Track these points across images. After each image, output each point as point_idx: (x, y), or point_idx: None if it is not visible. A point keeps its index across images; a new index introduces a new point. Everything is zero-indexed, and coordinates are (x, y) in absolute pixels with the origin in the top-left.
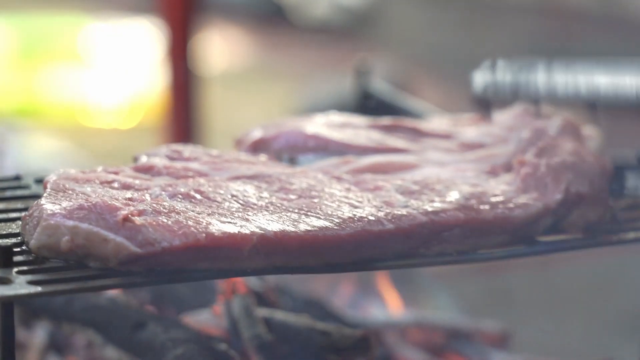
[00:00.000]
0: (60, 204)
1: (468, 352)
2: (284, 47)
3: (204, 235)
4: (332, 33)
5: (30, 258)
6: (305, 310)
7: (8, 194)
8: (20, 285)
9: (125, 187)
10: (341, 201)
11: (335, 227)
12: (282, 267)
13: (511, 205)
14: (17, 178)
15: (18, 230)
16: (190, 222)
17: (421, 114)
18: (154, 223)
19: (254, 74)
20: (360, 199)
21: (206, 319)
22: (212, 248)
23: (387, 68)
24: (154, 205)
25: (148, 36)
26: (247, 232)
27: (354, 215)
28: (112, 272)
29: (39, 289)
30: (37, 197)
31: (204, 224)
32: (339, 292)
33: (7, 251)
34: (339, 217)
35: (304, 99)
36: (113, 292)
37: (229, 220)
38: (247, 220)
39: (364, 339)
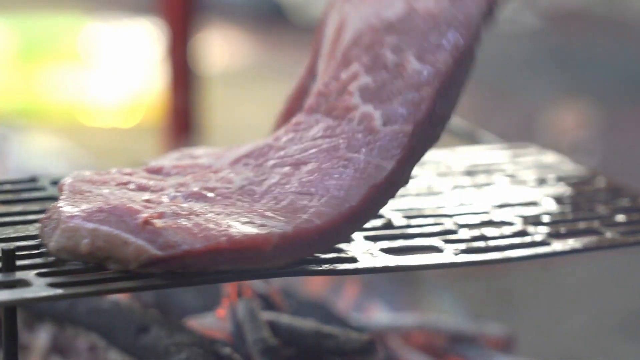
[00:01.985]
0: (79, 207)
1: (472, 356)
2: (284, 47)
3: (224, 238)
4: None
5: (49, 260)
6: (310, 313)
7: (24, 195)
8: (40, 288)
9: (141, 188)
10: (303, 182)
11: (343, 201)
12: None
13: None
14: (33, 180)
15: (36, 233)
16: (210, 225)
17: None
18: (175, 226)
19: (253, 74)
20: (313, 175)
21: (210, 323)
22: (234, 250)
23: None
24: (173, 207)
25: (148, 36)
26: (266, 232)
27: (338, 185)
28: (132, 275)
29: (59, 291)
30: (54, 199)
31: (224, 226)
32: (342, 294)
33: (10, 254)
34: (333, 193)
35: None
36: (117, 296)
37: (247, 220)
38: (264, 218)
39: (370, 343)
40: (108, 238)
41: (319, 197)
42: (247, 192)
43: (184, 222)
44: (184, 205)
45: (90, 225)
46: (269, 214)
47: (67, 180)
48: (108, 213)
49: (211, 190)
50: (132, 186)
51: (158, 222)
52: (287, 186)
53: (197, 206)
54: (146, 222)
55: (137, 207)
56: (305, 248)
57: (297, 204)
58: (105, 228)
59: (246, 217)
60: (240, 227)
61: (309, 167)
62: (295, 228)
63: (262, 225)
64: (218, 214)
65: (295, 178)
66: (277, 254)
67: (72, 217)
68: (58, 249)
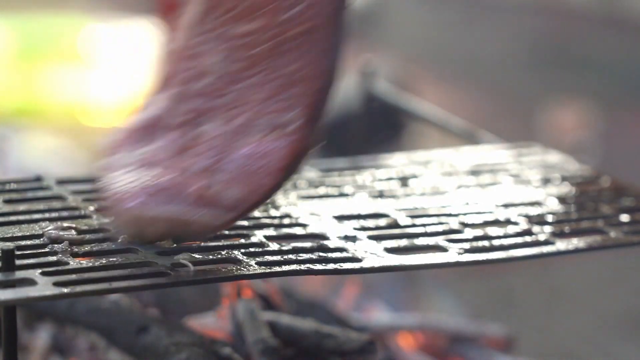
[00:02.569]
0: (131, 192)
1: (472, 356)
2: None
3: (268, 176)
4: None
5: (55, 259)
6: (310, 313)
7: (29, 195)
8: (45, 287)
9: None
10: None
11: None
12: None
13: None
14: (38, 179)
15: (41, 232)
16: (250, 166)
17: (425, 115)
18: (224, 187)
19: None
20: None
21: (210, 323)
22: (282, 177)
23: (388, 68)
24: (201, 160)
25: (148, 36)
26: (294, 140)
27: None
28: (135, 274)
29: (64, 290)
30: (59, 198)
31: (261, 160)
32: (342, 294)
33: (10, 254)
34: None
35: None
36: (117, 295)
37: (269, 131)
38: (274, 118)
39: (370, 343)
40: (170, 221)
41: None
42: (240, 94)
43: (227, 176)
44: (209, 153)
45: (151, 212)
46: (271, 116)
47: (104, 162)
48: (159, 194)
49: (208, 109)
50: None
51: (208, 191)
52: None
53: (216, 142)
54: (199, 195)
55: (179, 179)
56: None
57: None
58: (162, 211)
59: (266, 127)
60: (275, 146)
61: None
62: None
63: (282, 134)
64: (237, 142)
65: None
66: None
67: (129, 207)
68: (129, 239)
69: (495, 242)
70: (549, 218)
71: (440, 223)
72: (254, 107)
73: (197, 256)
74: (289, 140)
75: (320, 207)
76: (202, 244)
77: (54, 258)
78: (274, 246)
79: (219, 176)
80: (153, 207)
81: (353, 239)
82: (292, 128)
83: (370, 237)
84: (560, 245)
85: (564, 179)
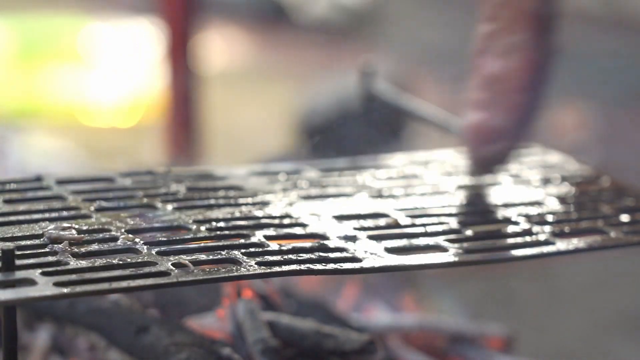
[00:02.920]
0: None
1: (472, 356)
2: (284, 47)
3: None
4: (332, 33)
5: (55, 259)
6: (310, 313)
7: (30, 195)
8: (45, 287)
9: None
10: None
11: None
12: None
13: None
14: (38, 179)
15: (41, 232)
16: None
17: (425, 115)
18: (492, 115)
19: (254, 74)
20: None
21: (210, 323)
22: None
23: (387, 68)
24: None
25: (148, 36)
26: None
27: None
28: (136, 274)
29: (64, 290)
30: (59, 198)
31: (508, 82)
32: (342, 294)
33: (10, 254)
34: None
35: (304, 99)
36: (116, 295)
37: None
38: None
39: (370, 343)
40: (481, 155)
41: None
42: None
43: (491, 106)
44: (476, 87)
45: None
46: (505, 39)
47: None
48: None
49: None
50: None
51: (484, 123)
52: None
53: (479, 76)
54: (481, 128)
55: (474, 117)
56: None
57: None
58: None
59: (502, 50)
60: (512, 66)
61: None
62: None
63: (515, 53)
64: (486, 72)
65: None
66: None
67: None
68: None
69: (495, 242)
70: (549, 218)
71: (440, 223)
72: (492, 35)
73: (197, 256)
74: (521, 57)
75: (320, 207)
76: (202, 243)
77: (54, 258)
78: (274, 246)
79: (489, 109)
80: (475, 146)
81: (353, 239)
82: (521, 45)
83: (370, 237)
84: (560, 245)
85: (564, 179)
